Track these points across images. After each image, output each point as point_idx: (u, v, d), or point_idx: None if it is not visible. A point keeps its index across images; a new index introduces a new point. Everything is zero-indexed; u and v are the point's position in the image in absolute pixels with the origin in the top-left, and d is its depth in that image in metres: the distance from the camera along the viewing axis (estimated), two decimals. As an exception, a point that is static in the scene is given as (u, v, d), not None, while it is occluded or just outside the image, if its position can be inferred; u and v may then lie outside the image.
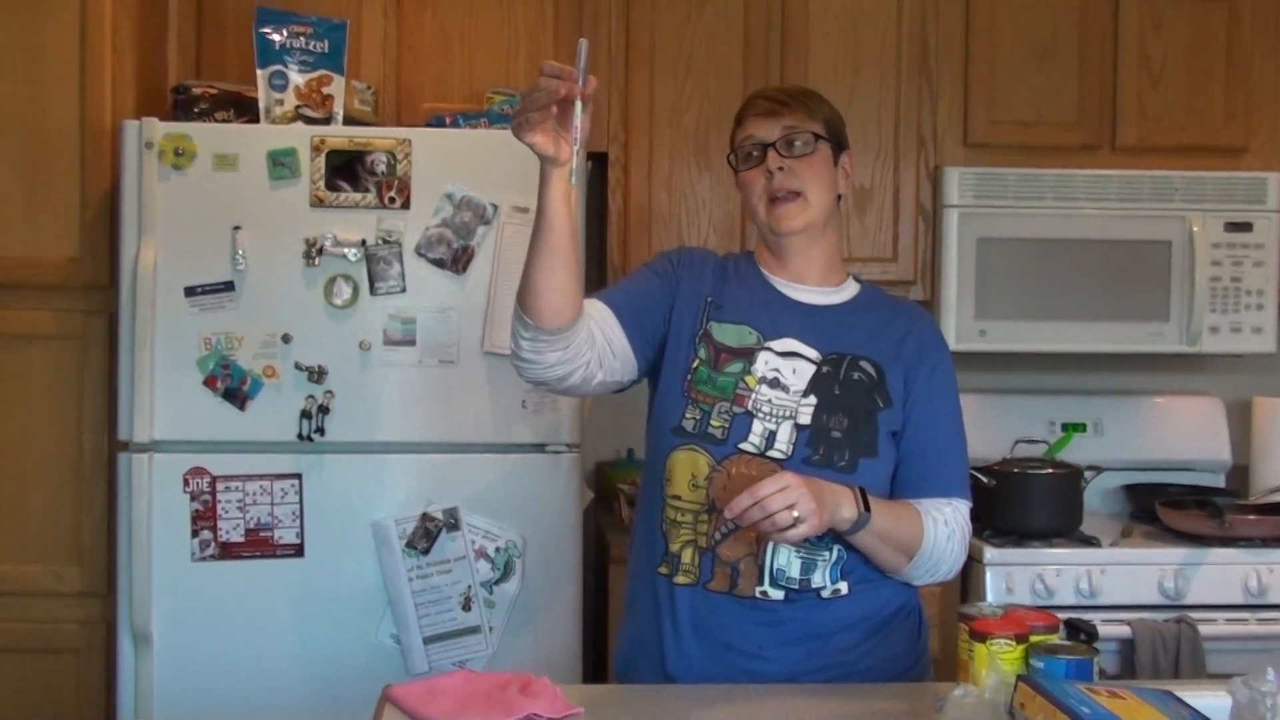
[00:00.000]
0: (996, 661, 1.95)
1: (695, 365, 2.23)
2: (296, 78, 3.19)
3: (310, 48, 3.21)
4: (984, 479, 3.37)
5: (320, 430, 3.05)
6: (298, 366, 3.05)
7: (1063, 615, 2.10)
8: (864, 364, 2.23)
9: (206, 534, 3.04)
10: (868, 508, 2.10)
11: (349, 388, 3.07)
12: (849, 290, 2.35)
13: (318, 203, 3.06)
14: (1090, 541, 3.41)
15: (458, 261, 3.09)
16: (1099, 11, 3.76)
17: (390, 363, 3.08)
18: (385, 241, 3.07)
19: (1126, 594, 3.33)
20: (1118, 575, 3.33)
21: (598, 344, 2.17)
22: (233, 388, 3.04)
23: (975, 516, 2.31)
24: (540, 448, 3.13)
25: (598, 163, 3.69)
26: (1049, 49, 3.75)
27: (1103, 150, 3.76)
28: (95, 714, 3.21)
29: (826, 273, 2.33)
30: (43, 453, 3.22)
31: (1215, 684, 1.97)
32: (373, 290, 3.07)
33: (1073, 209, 3.66)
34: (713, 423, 2.19)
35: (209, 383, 3.04)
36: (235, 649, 3.04)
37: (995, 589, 3.31)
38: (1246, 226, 3.68)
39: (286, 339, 3.05)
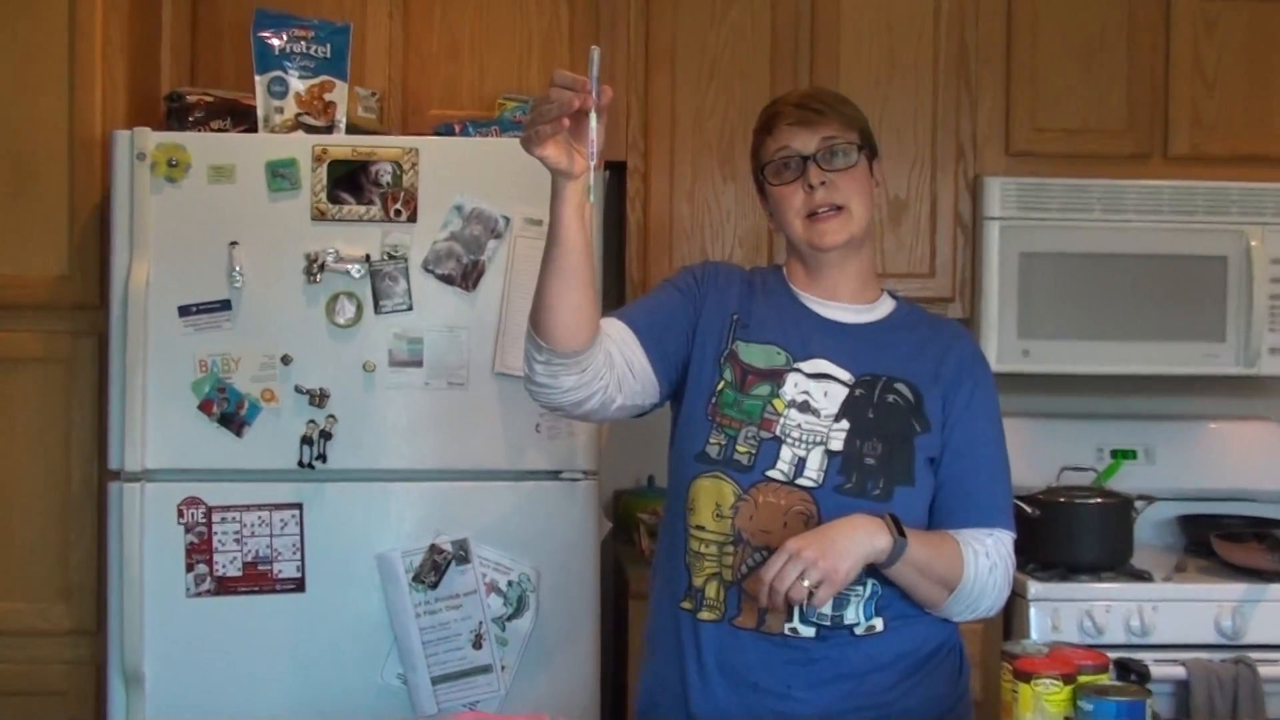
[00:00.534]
0: (1042, 703, 1.95)
1: (720, 387, 2.22)
2: (297, 84, 3.21)
3: (311, 52, 3.22)
4: (1028, 509, 3.37)
5: (322, 457, 3.06)
6: (298, 390, 3.06)
7: (1112, 654, 2.10)
8: (900, 386, 2.23)
9: (202, 568, 3.05)
10: (902, 534, 2.09)
11: (352, 412, 3.08)
12: (884, 307, 2.34)
13: (319, 216, 3.07)
14: (1142, 576, 3.40)
15: (467, 278, 3.10)
16: (1149, 11, 3.76)
17: (396, 385, 3.09)
18: (390, 257, 3.08)
19: (1181, 632, 3.32)
20: (1171, 612, 3.32)
21: (617, 366, 2.17)
22: (229, 412, 3.05)
23: (1019, 549, 2.30)
24: (555, 475, 3.14)
25: (616, 172, 3.70)
26: (1096, 51, 3.76)
27: (1154, 159, 3.76)
28: (83, 759, 3.23)
29: (861, 289, 2.33)
30: (28, 483, 3.23)
31: (1275, 728, 1.97)
32: (377, 308, 3.08)
33: (1122, 222, 3.66)
34: (738, 449, 2.19)
35: (204, 407, 3.05)
36: (232, 690, 3.04)
37: (1040, 626, 3.31)
38: (1308, 240, 3.69)
39: (286, 360, 3.06)
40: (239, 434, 3.06)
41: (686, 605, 2.24)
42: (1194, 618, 3.33)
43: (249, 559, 3.05)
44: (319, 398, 3.06)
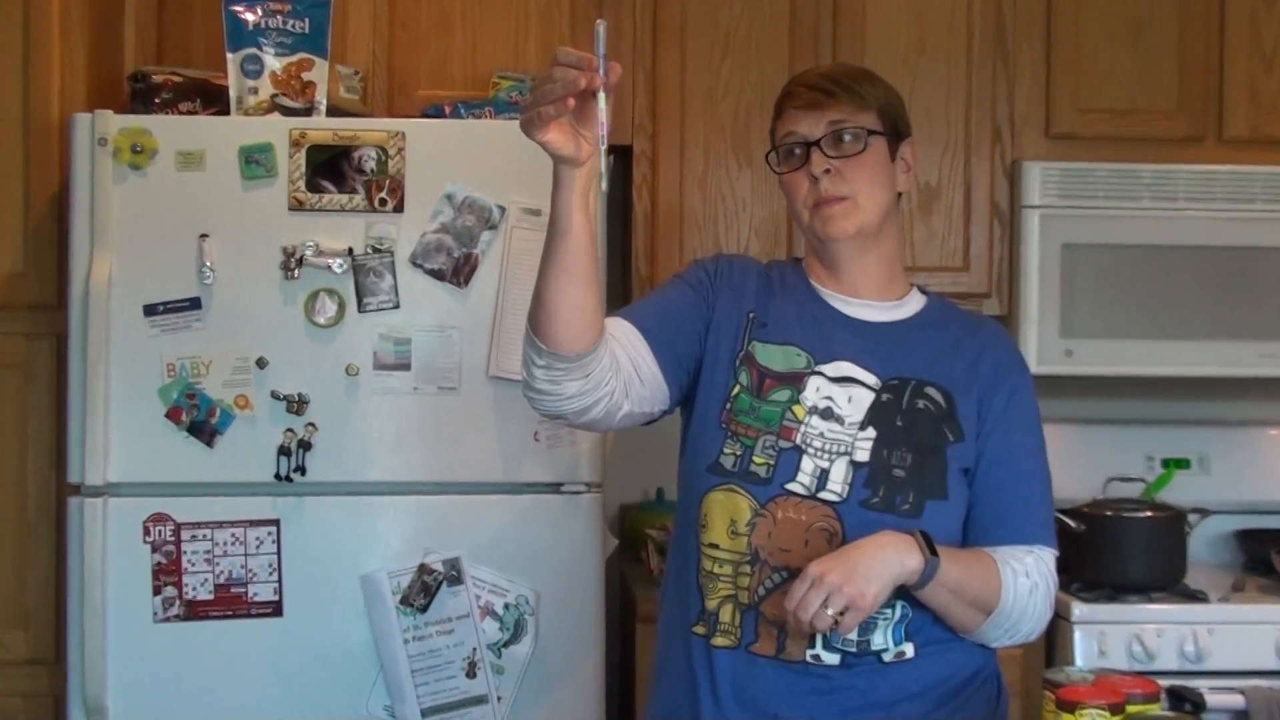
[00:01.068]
0: (1088, 736, 1.95)
1: (735, 392, 2.22)
2: (273, 62, 3.20)
3: (288, 28, 3.22)
4: (1071, 523, 3.36)
5: (301, 469, 3.06)
6: (275, 396, 3.06)
7: (1164, 682, 2.10)
8: (931, 390, 2.23)
9: (170, 591, 3.05)
10: (934, 553, 2.09)
11: (334, 420, 3.08)
12: (912, 304, 2.34)
13: (297, 206, 3.07)
14: (1196, 596, 3.39)
15: (459, 273, 3.10)
16: (1202, -18, 3.78)
17: (382, 390, 3.09)
18: (375, 250, 3.09)
19: (1239, 658, 3.31)
20: (1228, 636, 3.32)
21: (623, 370, 2.17)
22: (200, 421, 3.05)
23: (1062, 567, 2.29)
24: (556, 488, 3.14)
25: (620, 157, 3.69)
26: (1145, 26, 3.75)
27: (1208, 142, 3.76)
28: (41, 799, 3.23)
29: (886, 284, 2.32)
30: (-19, 497, 3.24)
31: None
32: (361, 307, 3.08)
33: (1173, 210, 3.65)
34: (755, 459, 2.19)
35: (172, 415, 3.05)
36: (203, 723, 3.06)
37: (1086, 651, 3.30)
38: (1377, 230, 3.68)
39: (261, 364, 3.06)
40: (210, 444, 3.06)
41: (699, 630, 2.24)
42: (1253, 641, 3.32)
43: (221, 581, 3.05)
44: (297, 404, 3.06)
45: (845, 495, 2.17)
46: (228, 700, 3.05)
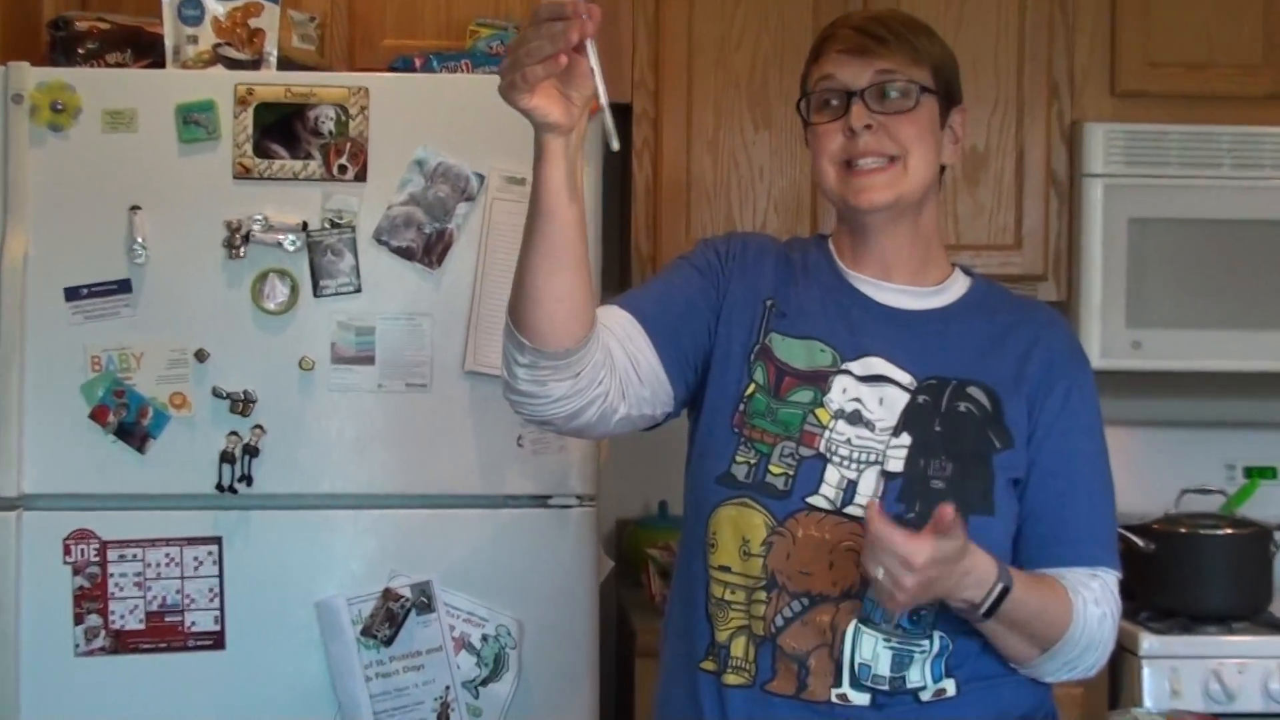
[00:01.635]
0: (1158, 788, 1.95)
1: (750, 392, 2.22)
2: (215, 7, 3.20)
3: (234, -34, 3.23)
4: (1139, 542, 3.36)
5: (246, 479, 3.06)
6: (217, 394, 3.06)
7: (1246, 726, 2.11)
8: (974, 390, 2.23)
9: (95, 619, 3.04)
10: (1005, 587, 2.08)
11: (285, 422, 3.08)
12: (954, 289, 2.33)
13: (243, 173, 3.07)
14: (1284, 627, 3.41)
15: (431, 251, 3.10)
16: (1292, -87, 3.77)
17: (341, 387, 3.09)
18: (334, 225, 3.08)
19: (1333, 698, 3.32)
20: (1321, 673, 3.33)
21: (619, 368, 2.16)
22: (129, 422, 3.05)
23: (1127, 593, 2.29)
24: (542, 501, 3.14)
25: (618, 118, 3.68)
26: (1225, -35, 3.77)
27: (1298, 101, 3.78)
28: None
29: (923, 265, 2.32)
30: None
31: None
32: (317, 290, 3.08)
33: (1257, 179, 3.66)
34: (772, 469, 2.19)
35: (98, 416, 3.05)
36: (133, 772, 3.06)
37: (1156, 690, 3.30)
38: None
39: (201, 357, 3.06)
40: (141, 449, 3.06)
41: (708, 666, 2.23)
42: (1350, 680, 3.33)
43: (154, 608, 3.05)
44: (243, 404, 3.06)
45: (876, 510, 2.16)
46: (162, 746, 3.07)
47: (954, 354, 2.26)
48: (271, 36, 3.23)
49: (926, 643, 2.17)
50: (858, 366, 2.23)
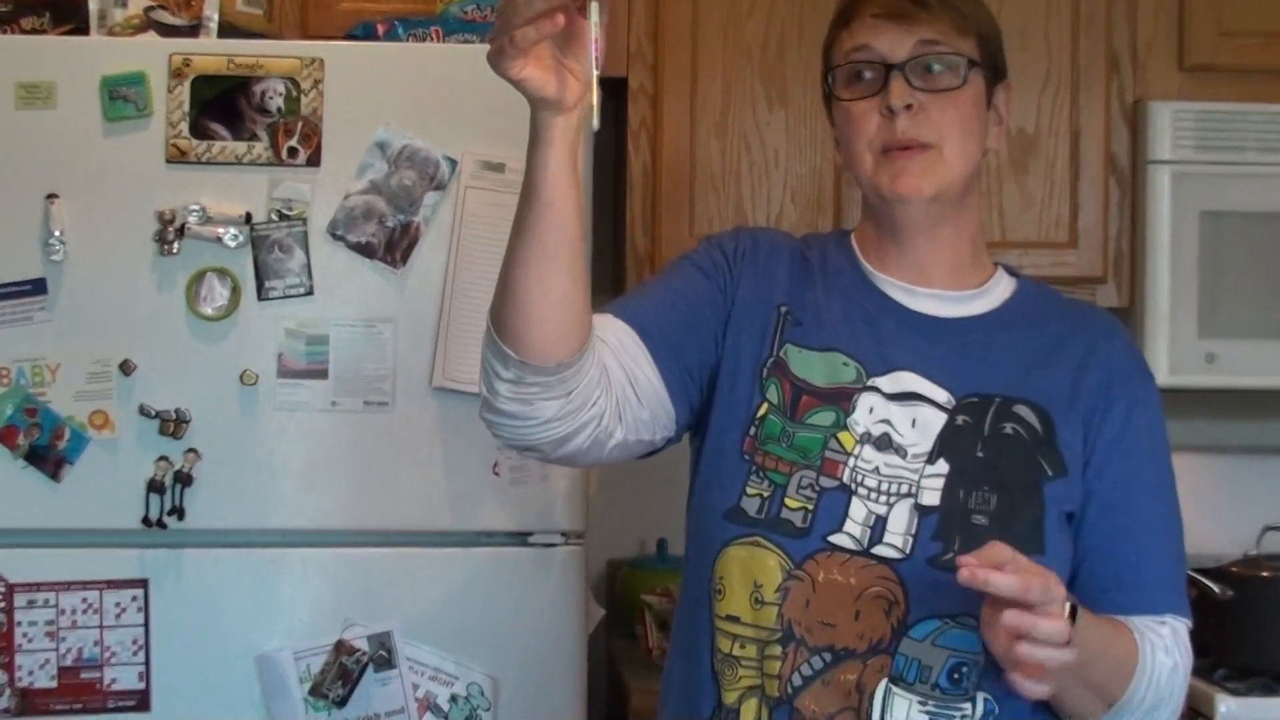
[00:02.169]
0: None
1: (762, 413, 2.22)
2: (146, -36, 3.21)
3: (167, -83, 3.23)
4: (1215, 588, 3.35)
5: (178, 511, 3.05)
6: (144, 412, 3.05)
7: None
8: (1022, 409, 2.23)
9: None
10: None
11: (224, 445, 3.07)
12: (997, 292, 2.34)
13: (178, 157, 3.07)
14: (1384, 688, 3.40)
15: (394, 248, 3.10)
16: None
17: (289, 405, 3.09)
18: (282, 216, 3.08)
19: None
20: None
21: (615, 386, 2.16)
22: (42, 445, 3.04)
23: (1200, 646, 2.30)
24: (521, 539, 3.14)
25: (611, 94, 3.70)
26: (1313, -83, 3.77)
27: (1398, 76, 3.77)
28: None
29: (963, 267, 2.33)
30: None
31: None
32: (262, 293, 3.08)
33: (1351, 167, 3.66)
34: (789, 503, 2.19)
35: (5, 437, 3.04)
36: None
37: (1233, 758, 3.30)
38: None
39: (127, 369, 3.05)
40: (55, 476, 3.05)
41: (714, 730, 2.24)
42: None
43: (69, 662, 3.04)
44: (175, 424, 3.05)
45: (909, 550, 2.17)
46: (80, 821, 3.05)
47: (998, 368, 2.26)
48: (213, 0, 3.22)
49: (968, 706, 2.17)
50: (886, 383, 2.24)
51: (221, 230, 3.06)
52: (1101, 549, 2.23)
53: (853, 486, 2.19)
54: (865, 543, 2.17)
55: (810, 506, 2.19)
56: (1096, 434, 2.24)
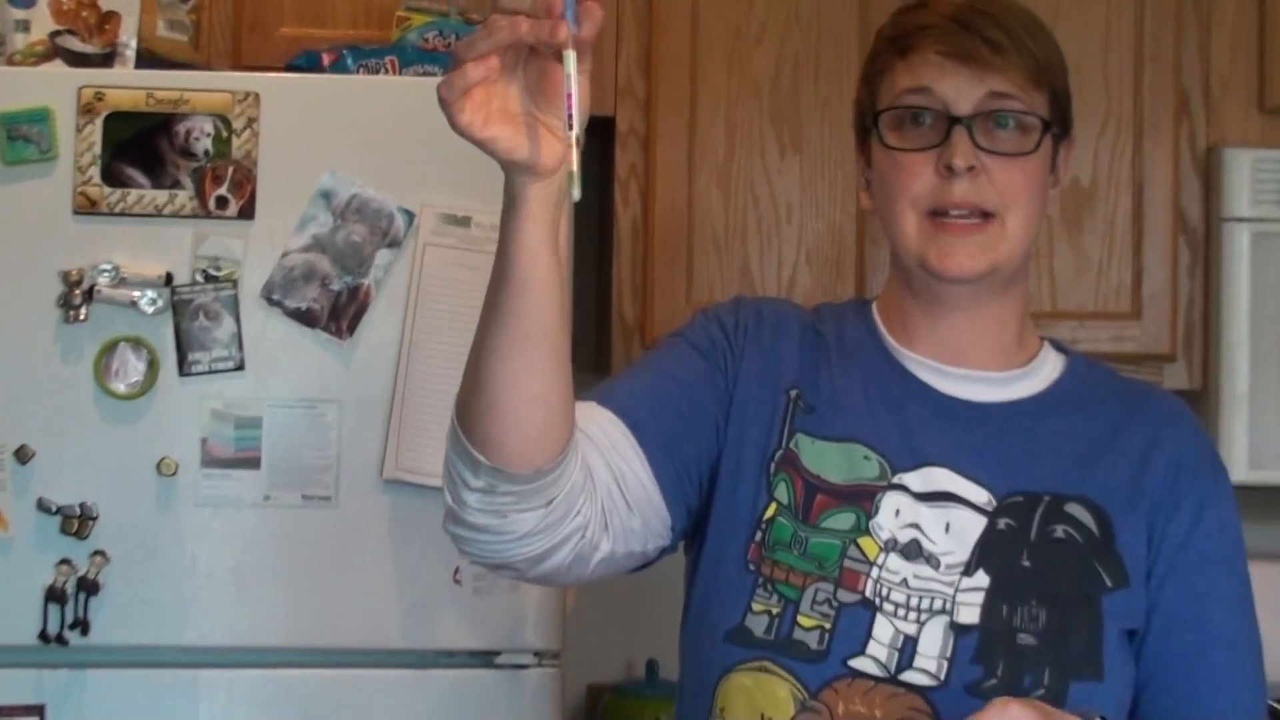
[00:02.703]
0: None
1: (770, 515, 2.21)
2: (53, -17, 3.23)
3: (78, -72, 3.25)
4: (1300, 718, 3.36)
5: (81, 625, 3.04)
6: (44, 507, 3.06)
7: None
8: (1075, 509, 2.22)
9: None
10: None
11: (137, 547, 3.07)
12: (1045, 372, 2.33)
13: (87, 207, 3.08)
14: None
15: (340, 315, 3.10)
16: None
17: (215, 500, 3.09)
18: (209, 278, 3.09)
19: None
20: None
21: (601, 490, 2.14)
22: (-75, 544, 3.04)
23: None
24: (488, 659, 3.14)
25: (596, 137, 3.72)
26: None
27: None
28: None
29: (1006, 345, 2.32)
30: None
31: None
32: (184, 367, 3.09)
33: None
34: (802, 621, 2.17)
35: (-119, 534, 3.05)
36: None
37: None
38: None
39: (23, 456, 3.06)
40: (-60, 582, 3.05)
41: None
42: None
43: (-49, 806, 3.03)
44: (80, 521, 3.05)
45: (944, 676, 2.15)
46: None
47: (1046, 461, 2.25)
48: (129, 22, 3.25)
49: None
50: (915, 480, 2.23)
51: (137, 294, 3.07)
52: (1168, 670, 2.21)
53: (877, 602, 2.17)
54: (892, 667, 2.16)
55: (827, 625, 2.17)
56: (1161, 537, 2.22)
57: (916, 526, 2.20)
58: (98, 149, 3.09)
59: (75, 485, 3.07)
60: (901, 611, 2.17)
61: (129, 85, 3.12)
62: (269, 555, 3.10)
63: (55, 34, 3.21)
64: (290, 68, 3.37)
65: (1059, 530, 2.21)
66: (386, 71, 3.33)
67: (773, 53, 3.70)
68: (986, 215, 2.21)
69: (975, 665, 2.15)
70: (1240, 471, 3.26)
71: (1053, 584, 2.19)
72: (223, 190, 3.10)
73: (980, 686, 2.14)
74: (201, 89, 3.12)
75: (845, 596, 2.17)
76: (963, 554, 2.20)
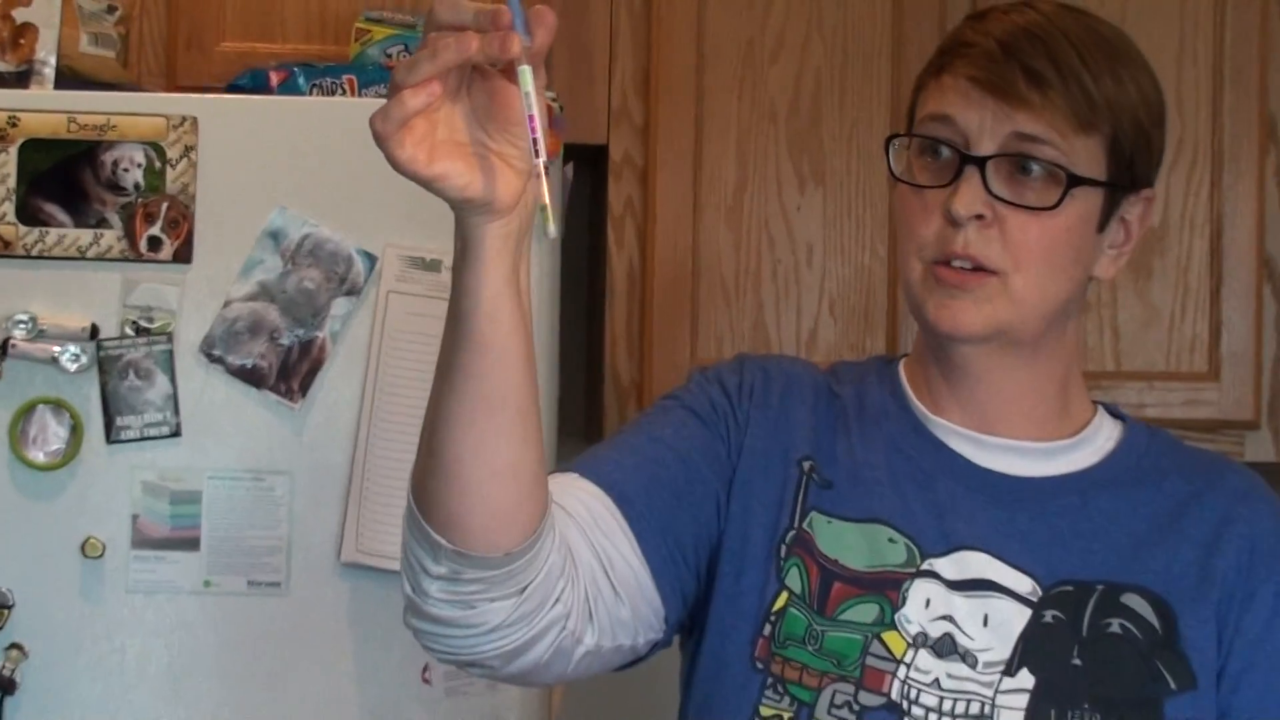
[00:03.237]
0: None
1: (781, 606, 2.21)
2: (-42, -12, 3.27)
3: (-13, -70, 3.29)
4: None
5: (-5, 729, 3.08)
6: (-48, 594, 3.08)
7: None
8: (1132, 600, 2.22)
9: None
10: None
11: (57, 640, 3.10)
12: (1098, 442, 2.34)
13: (1, 249, 3.12)
14: None
15: (291, 374, 3.14)
16: None
17: (148, 586, 3.12)
18: (140, 330, 3.13)
19: None
20: None
21: (584, 574, 2.11)
22: None
23: None
24: (459, 768, 3.16)
25: (586, 168, 3.77)
26: None
27: None
28: None
29: (1049, 415, 2.32)
30: None
31: None
32: (112, 434, 3.12)
33: None
34: (817, 727, 2.21)
35: None
36: None
37: None
38: None
39: (-70, 535, 3.09)
40: None
41: None
42: None
43: None
44: (-8, 611, 3.10)
45: (982, 794, 2.20)
46: None
47: (1099, 544, 2.25)
48: (48, 36, 3.29)
49: None
50: (948, 565, 2.22)
51: (57, 348, 3.10)
52: (1245, 788, 2.22)
53: (905, 705, 2.17)
54: (923, 783, 2.19)
55: (847, 732, 2.20)
56: (1235, 632, 2.21)
57: (950, 619, 2.19)
58: (12, 182, 3.11)
59: (-12, 569, 3.10)
60: (933, 716, 2.17)
61: (47, 108, 3.14)
62: (210, 650, 3.12)
63: (-38, 50, 3.24)
64: (233, 88, 3.40)
65: (1114, 624, 2.20)
66: (344, 92, 3.35)
67: (791, 70, 3.72)
68: (986, 272, 2.19)
69: (1019, 780, 2.23)
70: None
71: (1107, 686, 2.18)
72: (155, 230, 3.13)
73: (1021, 802, 2.14)
74: (131, 112, 3.15)
75: (868, 699, 2.17)
76: (1003, 651, 2.19)
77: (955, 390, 2.30)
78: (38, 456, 3.11)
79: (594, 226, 3.74)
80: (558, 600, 2.07)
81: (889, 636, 2.20)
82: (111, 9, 3.52)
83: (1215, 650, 2.21)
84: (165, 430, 3.13)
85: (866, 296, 3.73)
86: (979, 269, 2.19)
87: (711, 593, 2.26)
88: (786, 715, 2.20)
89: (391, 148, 1.78)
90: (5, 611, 3.09)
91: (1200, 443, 2.48)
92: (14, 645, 3.09)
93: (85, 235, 3.13)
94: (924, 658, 2.20)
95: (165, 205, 3.13)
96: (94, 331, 3.12)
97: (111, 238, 3.13)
